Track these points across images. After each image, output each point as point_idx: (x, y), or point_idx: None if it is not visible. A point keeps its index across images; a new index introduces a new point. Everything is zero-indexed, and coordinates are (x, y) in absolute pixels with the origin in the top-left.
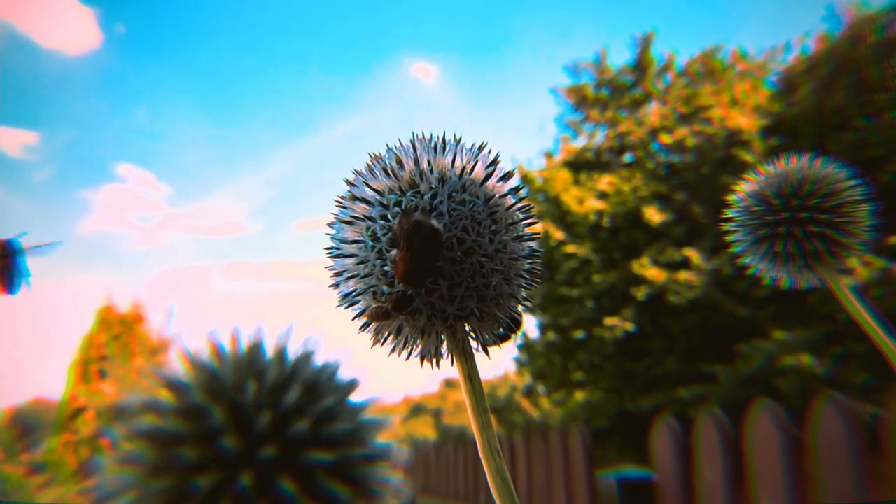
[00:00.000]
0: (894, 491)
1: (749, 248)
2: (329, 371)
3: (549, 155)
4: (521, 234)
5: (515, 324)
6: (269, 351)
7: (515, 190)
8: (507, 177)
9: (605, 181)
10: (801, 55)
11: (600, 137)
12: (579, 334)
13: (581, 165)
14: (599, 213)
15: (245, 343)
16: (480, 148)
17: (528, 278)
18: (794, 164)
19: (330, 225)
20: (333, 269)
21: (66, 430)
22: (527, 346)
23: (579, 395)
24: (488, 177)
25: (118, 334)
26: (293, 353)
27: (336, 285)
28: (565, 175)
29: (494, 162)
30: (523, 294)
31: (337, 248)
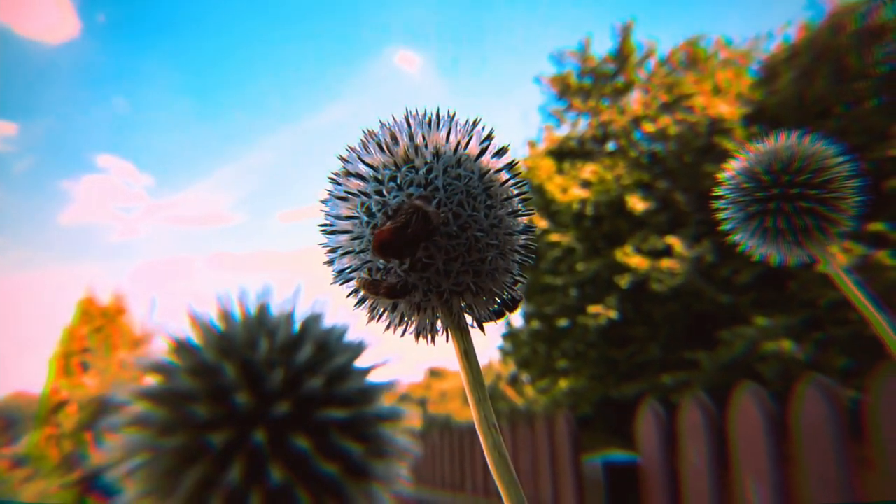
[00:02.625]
0: (876, 475)
1: (739, 224)
2: (338, 332)
3: (532, 144)
4: (515, 209)
5: (513, 301)
6: (278, 311)
7: (510, 166)
8: (501, 152)
9: (588, 170)
10: (783, 43)
11: (583, 126)
12: (563, 322)
13: (564, 154)
14: (583, 202)
15: (253, 304)
16: (475, 124)
17: (523, 253)
18: (783, 141)
19: (324, 201)
20: (328, 246)
21: (49, 424)
22: (511, 335)
23: (563, 383)
24: (483, 152)
25: (100, 326)
26: (302, 314)
27: (331, 262)
28: (549, 164)
29: (489, 137)
30: (517, 270)
31: (331, 225)
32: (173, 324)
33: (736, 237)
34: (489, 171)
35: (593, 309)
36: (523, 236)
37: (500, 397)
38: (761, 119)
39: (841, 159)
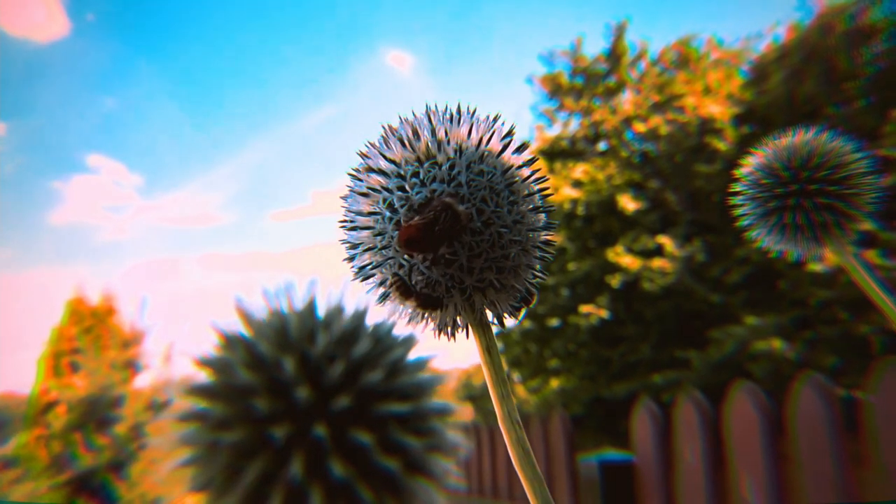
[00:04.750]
0: (871, 471)
1: (758, 220)
2: (388, 327)
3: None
4: (537, 205)
5: (530, 295)
6: (326, 306)
7: (531, 162)
8: (521, 148)
9: (579, 170)
10: (772, 44)
11: (575, 126)
12: (555, 322)
13: (556, 154)
14: (574, 202)
15: (300, 299)
16: (495, 119)
17: (544, 249)
18: (801, 138)
19: (344, 198)
20: (348, 242)
21: (38, 425)
22: (503, 335)
23: (555, 383)
24: (505, 148)
25: (90, 327)
26: (350, 308)
27: (351, 258)
28: (540, 164)
29: (510, 133)
30: (538, 266)
31: (352, 221)
32: (222, 319)
33: (754, 233)
34: (511, 167)
35: (585, 308)
36: (545, 232)
37: (489, 397)
38: (751, 119)
39: (858, 156)
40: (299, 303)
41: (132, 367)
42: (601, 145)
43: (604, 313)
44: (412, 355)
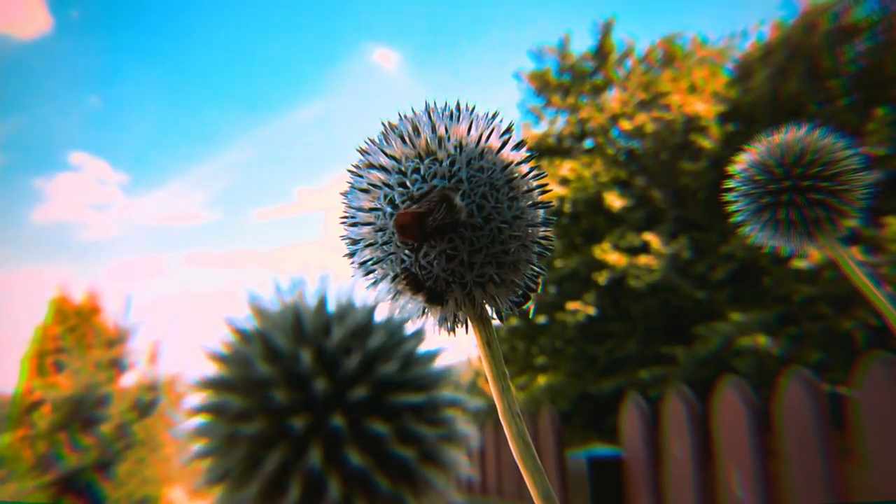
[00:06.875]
0: (857, 465)
1: (751, 216)
2: (398, 320)
3: None
4: (535, 201)
5: (531, 290)
6: (336, 301)
7: (529, 158)
8: (520, 145)
9: (566, 167)
10: (757, 42)
11: (561, 123)
12: (542, 319)
13: (543, 151)
14: (561, 199)
15: (312, 295)
16: (494, 116)
17: (543, 245)
18: (793, 135)
19: (344, 194)
20: (349, 238)
21: (22, 425)
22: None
23: (542, 379)
24: (504, 144)
25: (74, 326)
26: (360, 303)
27: (352, 254)
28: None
29: (508, 130)
30: (536, 262)
31: (352, 217)
32: (235, 314)
33: (747, 229)
34: (511, 163)
35: (571, 305)
36: (543, 227)
37: (478, 394)
38: (736, 117)
39: (850, 152)
40: (311, 298)
41: (117, 366)
42: (587, 143)
43: (591, 310)
44: (423, 348)
